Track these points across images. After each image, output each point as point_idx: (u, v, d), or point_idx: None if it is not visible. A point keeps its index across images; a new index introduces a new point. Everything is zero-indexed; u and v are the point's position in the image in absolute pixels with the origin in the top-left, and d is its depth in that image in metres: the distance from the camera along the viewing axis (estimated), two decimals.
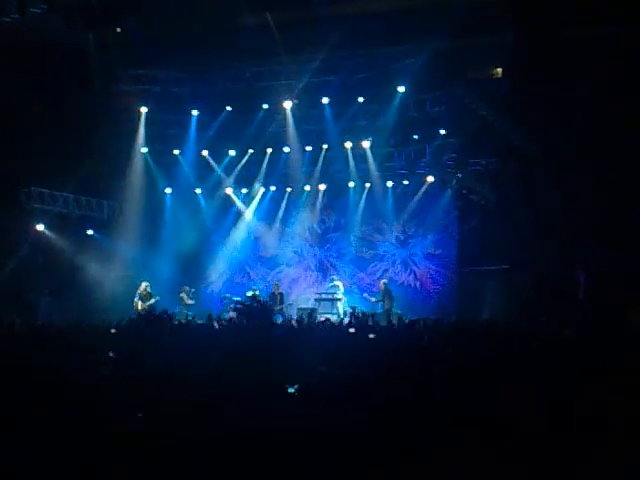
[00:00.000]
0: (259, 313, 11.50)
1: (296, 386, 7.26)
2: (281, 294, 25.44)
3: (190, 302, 25.24)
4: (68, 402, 6.42)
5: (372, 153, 26.44)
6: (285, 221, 28.88)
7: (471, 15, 20.48)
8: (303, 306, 25.99)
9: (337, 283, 26.04)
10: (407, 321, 16.72)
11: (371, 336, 11.35)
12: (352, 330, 12.27)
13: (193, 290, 25.81)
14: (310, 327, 14.36)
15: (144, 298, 24.21)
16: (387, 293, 24.82)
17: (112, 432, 5.80)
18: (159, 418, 6.02)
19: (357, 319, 15.01)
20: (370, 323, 14.42)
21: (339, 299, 25.61)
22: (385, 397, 6.53)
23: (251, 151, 27.82)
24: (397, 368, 7.76)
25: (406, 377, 7.24)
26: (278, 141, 27.33)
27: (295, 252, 28.88)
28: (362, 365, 8.02)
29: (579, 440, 5.64)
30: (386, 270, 27.38)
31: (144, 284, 24.48)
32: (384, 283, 25.24)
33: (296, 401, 6.48)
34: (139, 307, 23.90)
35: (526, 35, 21.12)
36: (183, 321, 18.44)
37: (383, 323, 19.01)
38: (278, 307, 24.67)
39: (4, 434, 5.79)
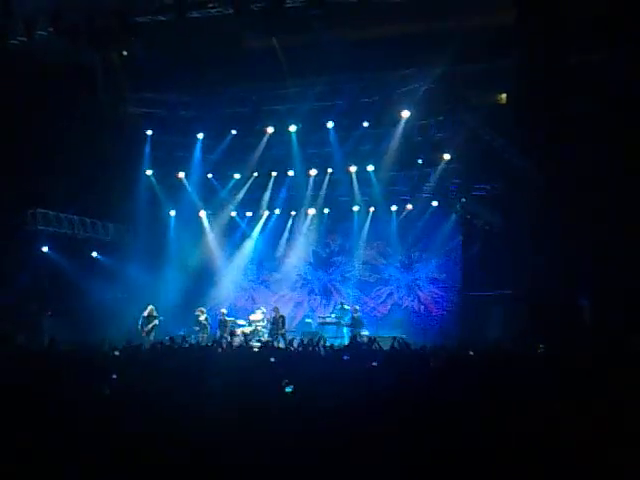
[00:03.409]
0: None
1: (292, 387, 7.33)
2: (282, 317, 25.34)
3: (205, 323, 25.27)
4: (67, 420, 6.43)
5: (376, 177, 26.49)
6: (289, 244, 28.89)
7: (475, 40, 20.55)
8: (307, 330, 25.96)
9: (347, 307, 25.98)
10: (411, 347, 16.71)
11: (374, 364, 11.31)
12: (346, 357, 12.25)
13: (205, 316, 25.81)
14: (313, 352, 14.33)
15: (148, 320, 24.24)
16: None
17: (110, 450, 5.80)
18: (158, 437, 6.03)
19: (358, 345, 14.99)
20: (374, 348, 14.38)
21: (345, 325, 25.57)
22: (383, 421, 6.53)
23: (256, 174, 27.91)
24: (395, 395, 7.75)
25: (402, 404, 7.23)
26: (283, 165, 27.43)
27: (299, 276, 28.89)
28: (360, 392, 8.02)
29: (580, 460, 5.64)
30: (390, 294, 27.39)
31: (150, 307, 24.52)
32: (355, 309, 25.56)
33: (294, 422, 6.49)
34: (144, 330, 23.97)
35: (530, 60, 21.16)
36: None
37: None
38: (281, 331, 24.66)
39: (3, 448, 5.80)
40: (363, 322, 25.12)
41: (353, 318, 25.12)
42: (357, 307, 25.95)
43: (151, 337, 23.34)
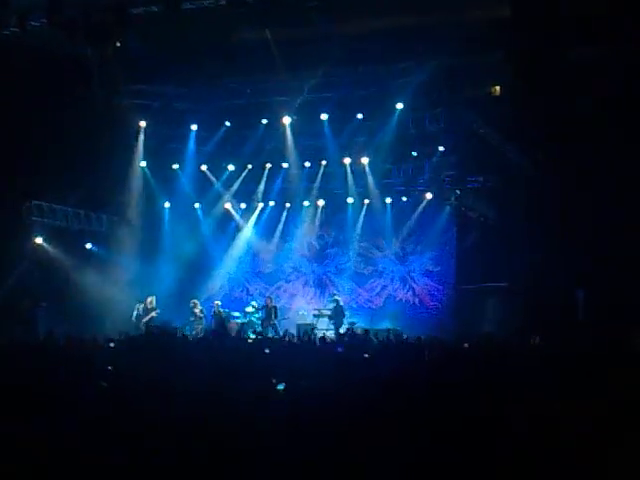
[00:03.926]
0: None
1: (284, 384, 7.32)
2: (275, 307, 25.40)
3: (200, 315, 25.25)
4: (67, 415, 6.44)
5: (371, 169, 26.48)
6: (284, 237, 28.87)
7: (471, 33, 20.51)
8: (301, 322, 25.99)
9: (337, 298, 25.98)
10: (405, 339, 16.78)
11: (365, 356, 11.37)
12: (340, 349, 12.32)
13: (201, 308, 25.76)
14: (308, 343, 14.39)
15: (147, 311, 24.17)
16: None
17: (109, 446, 5.81)
18: (157, 431, 6.04)
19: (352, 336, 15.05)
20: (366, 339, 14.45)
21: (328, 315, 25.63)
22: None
23: (250, 166, 27.87)
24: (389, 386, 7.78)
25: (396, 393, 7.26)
26: (277, 157, 27.40)
27: (294, 268, 28.86)
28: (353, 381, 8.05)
29: (574, 457, 5.66)
30: (385, 286, 27.39)
31: (150, 298, 24.50)
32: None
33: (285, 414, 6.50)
34: (142, 321, 23.90)
35: (525, 53, 21.12)
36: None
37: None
38: (272, 321, 24.75)
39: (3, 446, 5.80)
40: (344, 312, 25.16)
41: (335, 308, 25.21)
42: (339, 298, 26.01)
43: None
